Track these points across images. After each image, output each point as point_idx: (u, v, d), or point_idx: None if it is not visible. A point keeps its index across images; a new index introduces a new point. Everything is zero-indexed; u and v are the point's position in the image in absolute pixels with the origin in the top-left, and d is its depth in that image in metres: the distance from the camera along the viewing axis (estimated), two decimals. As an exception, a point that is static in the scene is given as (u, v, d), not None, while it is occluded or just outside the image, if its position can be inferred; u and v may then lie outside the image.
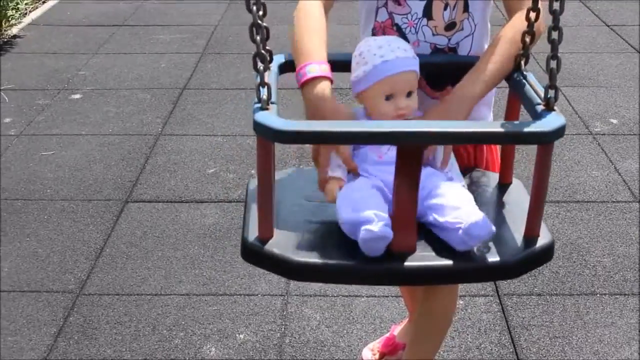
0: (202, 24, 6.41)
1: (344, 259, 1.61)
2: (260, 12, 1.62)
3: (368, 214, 1.57)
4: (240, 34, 6.09)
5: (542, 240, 1.68)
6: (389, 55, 1.76)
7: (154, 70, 5.37)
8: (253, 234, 1.67)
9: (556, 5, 1.60)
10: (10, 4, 6.12)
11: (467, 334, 2.80)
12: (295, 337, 2.79)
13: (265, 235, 1.66)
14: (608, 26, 6.28)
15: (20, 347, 2.74)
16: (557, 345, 2.74)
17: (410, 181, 1.59)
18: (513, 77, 1.85)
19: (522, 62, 1.83)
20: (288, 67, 1.90)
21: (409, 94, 1.78)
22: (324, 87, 1.77)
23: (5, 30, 6.06)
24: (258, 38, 1.59)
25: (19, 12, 6.37)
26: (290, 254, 1.62)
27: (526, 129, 1.55)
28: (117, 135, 4.37)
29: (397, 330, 2.69)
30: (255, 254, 1.67)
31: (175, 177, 3.90)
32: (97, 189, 3.79)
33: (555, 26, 1.62)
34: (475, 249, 1.62)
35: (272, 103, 1.60)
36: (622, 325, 2.84)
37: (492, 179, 1.98)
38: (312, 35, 1.88)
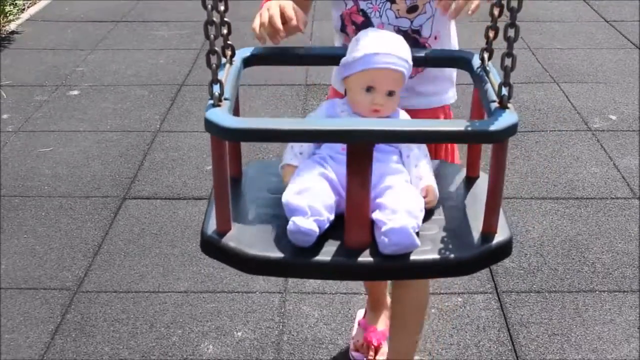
0: (200, 20, 6.30)
1: (297, 253, 1.62)
2: (222, 8, 1.68)
3: (302, 204, 1.60)
4: (239, 29, 6.05)
5: (500, 237, 1.68)
6: (382, 49, 1.78)
7: (152, 66, 5.36)
8: (211, 227, 1.68)
9: (514, 3, 1.57)
10: (8, 0, 6.10)
11: (466, 332, 2.79)
12: (293, 335, 2.78)
13: (222, 229, 1.67)
14: (607, 22, 6.27)
15: (18, 345, 2.73)
16: (555, 342, 2.74)
17: (361, 179, 1.59)
18: (476, 72, 1.83)
19: (486, 57, 1.81)
20: (255, 60, 1.95)
21: (391, 94, 1.79)
22: None
23: (3, 26, 6.04)
24: (212, 36, 1.62)
25: (17, 8, 6.36)
26: (244, 247, 1.64)
27: (475, 128, 1.54)
28: (115, 131, 4.36)
29: (361, 318, 2.74)
30: (212, 247, 1.68)
31: (174, 173, 3.89)
32: (95, 185, 3.78)
33: (512, 23, 1.59)
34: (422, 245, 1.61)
35: (225, 99, 1.61)
36: (621, 323, 2.83)
37: (459, 171, 1.98)
38: None
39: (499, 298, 2.96)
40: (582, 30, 6.09)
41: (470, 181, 1.94)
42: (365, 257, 1.61)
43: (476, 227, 1.71)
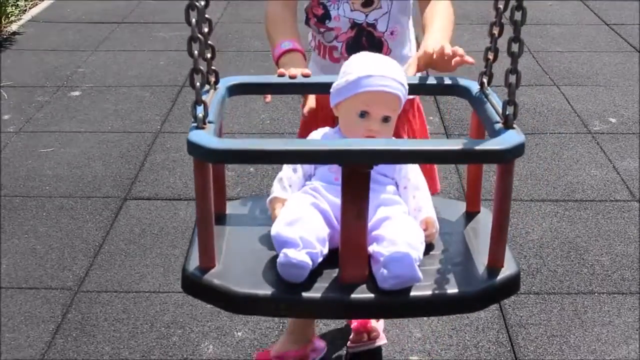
0: (201, 21, 6.40)
1: (288, 289, 1.49)
2: (206, 29, 1.58)
3: (293, 236, 1.48)
4: (240, 31, 6.09)
5: (507, 271, 1.57)
6: (376, 71, 1.67)
7: (153, 67, 5.37)
8: (194, 264, 1.56)
9: (517, 16, 1.50)
10: (10, 1, 6.13)
11: (465, 332, 2.80)
12: (293, 335, 2.79)
13: (206, 265, 1.54)
14: (607, 25, 6.29)
15: (19, 344, 2.74)
16: (554, 343, 2.75)
17: (357, 207, 1.47)
18: (474, 95, 1.74)
19: (485, 81, 1.73)
20: (239, 89, 1.82)
21: (386, 119, 1.68)
22: (296, 56, 1.99)
23: (4, 27, 6.05)
24: (196, 52, 1.51)
25: (19, 9, 6.38)
26: (231, 284, 1.50)
27: (481, 147, 1.44)
28: (116, 132, 4.37)
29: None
30: (195, 285, 1.55)
31: (174, 174, 3.90)
32: (95, 186, 3.79)
33: (516, 37, 1.51)
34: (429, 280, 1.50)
35: (209, 122, 1.50)
36: (619, 324, 2.84)
37: (458, 206, 1.87)
38: (278, 24, 2.15)
39: (498, 299, 2.97)
40: (583, 33, 6.10)
41: (470, 216, 1.83)
42: (363, 293, 1.49)
43: (481, 262, 1.60)
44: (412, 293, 1.49)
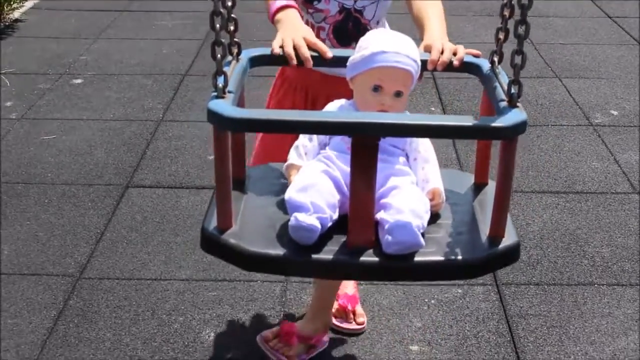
0: (204, 10, 6.37)
1: (298, 251, 1.58)
2: (230, 3, 1.66)
3: (305, 201, 1.57)
4: (243, 20, 6.06)
5: (507, 241, 1.65)
6: (390, 48, 1.73)
7: (155, 56, 5.37)
8: (212, 224, 1.65)
9: (524, 0, 1.55)
10: (12, -12, 6.12)
11: (465, 323, 2.81)
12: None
13: (223, 226, 1.63)
14: (610, 18, 6.28)
15: (20, 330, 2.75)
16: (554, 334, 2.76)
17: (366, 176, 1.55)
18: (486, 74, 1.81)
19: (496, 60, 1.79)
20: (262, 60, 1.89)
21: (398, 94, 1.75)
22: (291, 12, 2.00)
23: (7, 14, 6.05)
24: (217, 26, 1.58)
25: (21, -4, 6.37)
26: (245, 244, 1.60)
27: (484, 124, 1.52)
28: (119, 120, 4.38)
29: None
30: (212, 243, 1.65)
31: (176, 162, 3.90)
32: (97, 173, 3.80)
33: (523, 20, 1.56)
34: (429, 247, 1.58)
35: (229, 92, 1.59)
36: (619, 316, 2.85)
37: (467, 178, 1.95)
38: None
39: (498, 290, 2.98)
40: (585, 26, 6.10)
41: (478, 188, 1.90)
42: (368, 257, 1.57)
43: (483, 231, 1.68)
44: (416, 258, 1.58)
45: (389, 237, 1.54)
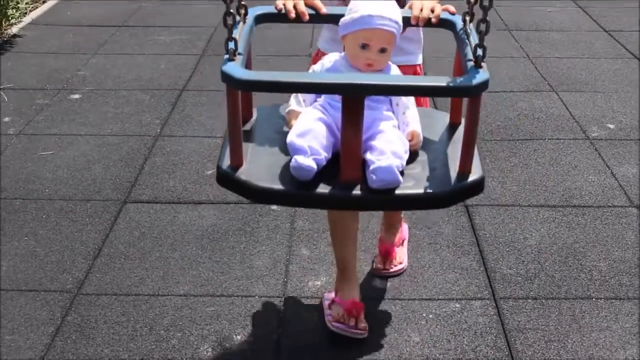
0: (201, 25, 6.42)
1: (299, 186, 1.92)
2: None
3: (303, 144, 1.93)
4: None
5: (474, 175, 1.98)
6: (375, 12, 2.09)
7: (153, 71, 5.38)
8: (226, 162, 2.00)
9: None
10: (10, 3, 6.13)
11: (463, 337, 2.81)
12: (292, 339, 2.80)
13: (235, 164, 1.99)
14: (606, 31, 6.31)
15: (18, 346, 2.75)
16: (552, 348, 2.76)
17: (354, 126, 1.88)
18: (459, 32, 2.12)
19: (467, 19, 2.12)
20: (265, 17, 2.29)
21: (383, 50, 2.12)
22: None
23: (5, 30, 6.07)
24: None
25: (19, 12, 6.38)
26: (255, 180, 1.95)
27: (453, 84, 1.82)
28: (116, 135, 4.38)
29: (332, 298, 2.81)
30: (227, 180, 1.99)
31: (174, 178, 3.91)
32: (95, 189, 3.80)
33: None
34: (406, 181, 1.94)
35: (238, 54, 1.91)
36: (617, 330, 2.85)
37: (444, 118, 2.31)
38: None
39: (496, 304, 2.98)
40: (581, 39, 6.12)
41: (452, 127, 2.26)
42: (357, 191, 1.92)
43: (454, 167, 2.00)
44: (396, 192, 1.93)
45: (374, 176, 1.90)
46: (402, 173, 1.94)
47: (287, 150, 1.99)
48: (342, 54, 2.21)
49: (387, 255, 3.10)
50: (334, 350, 2.74)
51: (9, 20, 6.15)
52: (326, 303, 2.82)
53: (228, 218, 3.53)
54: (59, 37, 6.13)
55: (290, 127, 2.08)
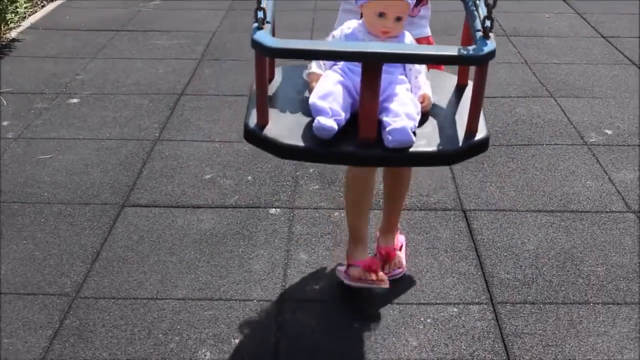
0: (200, 30, 6.43)
1: (321, 144, 2.09)
2: None
3: (326, 106, 2.12)
4: (239, 40, 6.12)
5: (479, 135, 2.15)
6: None
7: (151, 75, 5.39)
8: (253, 121, 2.16)
9: None
10: (9, 8, 6.14)
11: (461, 342, 2.81)
12: (289, 343, 2.80)
13: (262, 123, 2.15)
14: (604, 37, 6.32)
15: (16, 349, 2.75)
16: (550, 353, 2.76)
17: (372, 89, 2.04)
18: (468, 4, 2.26)
19: None
20: None
21: (398, 19, 2.32)
22: None
23: (4, 34, 6.08)
24: None
25: (18, 16, 6.39)
26: (280, 138, 2.11)
27: (463, 53, 1.98)
28: (115, 139, 4.39)
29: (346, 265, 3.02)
30: (254, 137, 2.16)
31: (172, 182, 3.91)
32: (94, 193, 3.80)
33: None
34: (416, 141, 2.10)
35: (267, 22, 2.06)
36: (614, 335, 2.86)
37: (452, 79, 2.50)
38: None
39: (494, 309, 2.99)
40: (579, 45, 6.14)
41: (460, 89, 2.44)
42: (374, 149, 2.09)
43: (462, 127, 2.17)
44: (410, 150, 2.09)
45: (389, 137, 2.07)
46: (414, 133, 2.11)
47: (308, 110, 2.18)
48: (361, 21, 2.41)
49: (387, 257, 3.13)
50: (331, 354, 2.74)
51: (8, 25, 6.16)
52: (342, 271, 3.01)
53: (226, 222, 3.54)
54: (57, 41, 6.13)
55: (311, 88, 2.27)
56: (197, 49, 5.94)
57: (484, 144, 2.17)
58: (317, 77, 2.30)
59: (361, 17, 2.42)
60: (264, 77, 2.10)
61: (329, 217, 3.58)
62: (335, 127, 2.08)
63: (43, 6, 7.05)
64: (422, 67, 2.35)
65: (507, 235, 3.46)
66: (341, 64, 2.28)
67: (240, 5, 7.16)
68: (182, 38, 6.22)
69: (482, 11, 2.11)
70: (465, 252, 3.34)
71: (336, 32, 2.45)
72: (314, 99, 2.16)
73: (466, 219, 3.59)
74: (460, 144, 2.13)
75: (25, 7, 6.60)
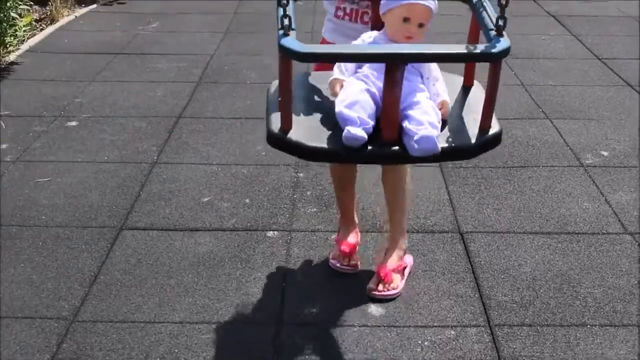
0: (198, 53, 6.47)
1: (342, 145, 2.18)
2: None
3: (354, 116, 2.18)
4: (236, 63, 6.15)
5: (493, 130, 2.27)
6: None
7: (150, 98, 5.41)
8: (276, 125, 2.25)
9: None
10: (8, 31, 6.17)
11: (459, 364, 2.82)
12: (287, 366, 2.80)
13: (286, 127, 2.24)
14: (599, 59, 6.36)
15: (14, 374, 2.75)
16: (547, 376, 2.76)
17: (394, 90, 2.14)
18: (474, 4, 2.34)
19: None
20: None
21: (421, 25, 2.43)
22: None
23: (3, 57, 6.10)
24: None
25: (17, 39, 6.42)
26: (304, 141, 2.21)
27: (479, 51, 2.09)
28: (113, 162, 4.40)
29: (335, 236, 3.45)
30: (279, 141, 2.25)
31: (170, 205, 3.92)
32: (92, 216, 3.81)
33: None
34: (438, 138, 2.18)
35: (292, 29, 2.13)
36: (612, 357, 2.86)
37: (457, 81, 2.60)
38: None
39: (491, 331, 2.99)
40: (575, 67, 6.18)
41: (466, 89, 2.56)
42: (396, 148, 2.20)
43: (475, 124, 2.28)
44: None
45: (416, 145, 2.14)
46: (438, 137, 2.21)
47: (327, 113, 2.30)
48: (382, 31, 2.52)
49: (385, 278, 3.17)
50: (329, 378, 2.74)
51: (7, 48, 6.19)
52: (334, 241, 3.40)
53: (224, 245, 3.55)
54: (56, 64, 6.17)
55: (334, 94, 2.36)
56: (195, 72, 5.97)
57: (498, 138, 2.29)
58: (340, 82, 2.38)
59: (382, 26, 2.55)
60: (288, 82, 2.19)
61: (326, 239, 3.59)
62: (365, 136, 2.16)
63: (42, 29, 7.08)
64: (439, 75, 2.43)
65: (504, 258, 3.47)
66: (364, 70, 2.36)
67: (237, 29, 7.20)
68: (180, 61, 6.25)
69: (491, 11, 2.22)
70: (463, 275, 3.35)
71: (357, 42, 2.56)
72: (340, 107, 2.22)
73: (463, 241, 3.60)
74: (478, 139, 2.25)
75: (24, 31, 6.63)
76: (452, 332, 2.98)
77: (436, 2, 2.46)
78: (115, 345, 2.89)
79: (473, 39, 2.45)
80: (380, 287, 3.15)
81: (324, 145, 2.20)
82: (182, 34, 7.04)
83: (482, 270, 3.38)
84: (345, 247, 3.32)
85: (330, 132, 2.24)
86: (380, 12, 2.51)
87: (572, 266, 3.42)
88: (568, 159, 4.48)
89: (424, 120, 2.19)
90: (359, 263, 3.34)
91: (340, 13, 2.95)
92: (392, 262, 3.20)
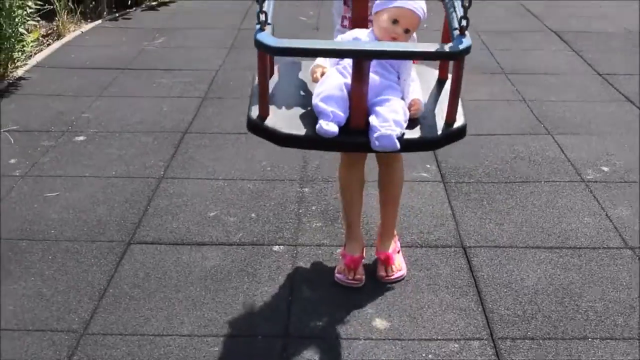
0: (203, 68, 6.54)
1: (314, 135, 2.37)
2: None
3: (328, 110, 2.38)
4: (241, 78, 6.22)
5: (457, 123, 2.47)
6: None
7: (156, 113, 5.48)
8: (255, 113, 2.45)
9: None
10: (16, 47, 6.24)
11: (462, 377, 2.86)
12: (294, 378, 2.85)
13: (263, 114, 2.44)
14: (600, 75, 6.42)
15: (26, 386, 2.79)
16: (549, 388, 2.80)
17: (361, 82, 2.34)
18: (447, 5, 2.49)
19: None
20: None
21: (407, 31, 2.63)
22: None
23: (10, 72, 6.17)
24: None
25: (25, 55, 6.49)
26: (279, 127, 2.41)
27: (441, 49, 2.26)
28: (120, 177, 4.46)
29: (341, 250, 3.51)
30: (255, 127, 2.44)
31: (177, 219, 3.98)
32: (100, 230, 3.87)
33: None
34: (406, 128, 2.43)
35: (268, 24, 2.31)
36: (613, 370, 2.91)
37: (433, 74, 2.81)
38: None
39: (494, 344, 3.04)
40: (576, 83, 6.23)
41: (441, 82, 2.77)
42: (363, 139, 2.40)
43: (442, 117, 2.49)
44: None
45: (377, 142, 2.36)
46: (399, 139, 2.38)
47: (304, 103, 2.52)
48: (370, 29, 2.72)
49: (387, 261, 3.43)
50: (335, 390, 2.79)
51: (15, 63, 6.27)
52: (340, 255, 3.47)
53: (231, 259, 3.60)
54: (63, 79, 6.23)
55: (314, 79, 2.59)
56: (200, 87, 6.04)
57: (462, 131, 2.49)
58: (322, 69, 2.61)
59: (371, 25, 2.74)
60: (264, 73, 2.38)
61: (331, 254, 3.64)
62: (337, 130, 2.36)
63: (49, 45, 7.16)
64: (415, 76, 2.61)
65: (506, 272, 3.52)
66: (343, 62, 2.54)
67: (242, 44, 7.27)
68: (185, 76, 6.32)
69: (459, 9, 2.35)
70: (466, 289, 3.40)
71: (345, 36, 2.76)
72: (316, 100, 2.43)
73: (466, 256, 3.65)
74: (443, 132, 2.45)
75: (31, 46, 6.71)
76: (456, 345, 3.03)
77: (425, 14, 2.68)
78: (125, 358, 2.94)
79: (446, 37, 2.59)
80: (389, 271, 3.41)
81: (298, 132, 2.40)
82: (187, 50, 7.11)
83: (485, 284, 3.43)
84: (350, 261, 3.39)
85: (305, 120, 2.44)
86: (373, 11, 2.70)
87: (574, 280, 3.47)
88: (569, 175, 4.54)
89: (390, 117, 2.38)
90: (363, 277, 3.40)
91: (346, 22, 3.05)
92: (390, 246, 3.47)
